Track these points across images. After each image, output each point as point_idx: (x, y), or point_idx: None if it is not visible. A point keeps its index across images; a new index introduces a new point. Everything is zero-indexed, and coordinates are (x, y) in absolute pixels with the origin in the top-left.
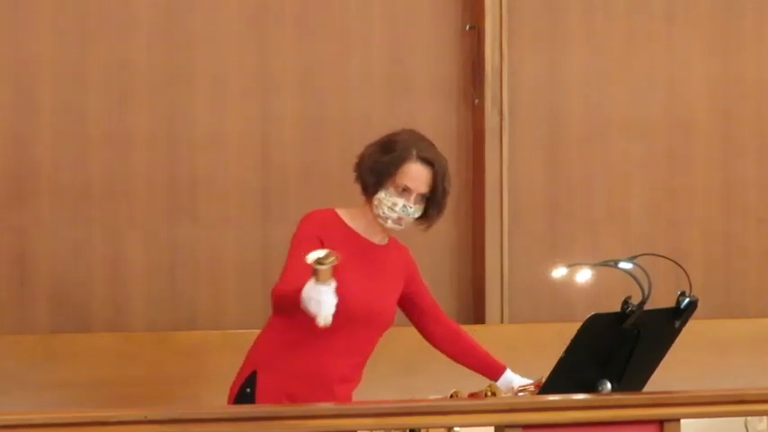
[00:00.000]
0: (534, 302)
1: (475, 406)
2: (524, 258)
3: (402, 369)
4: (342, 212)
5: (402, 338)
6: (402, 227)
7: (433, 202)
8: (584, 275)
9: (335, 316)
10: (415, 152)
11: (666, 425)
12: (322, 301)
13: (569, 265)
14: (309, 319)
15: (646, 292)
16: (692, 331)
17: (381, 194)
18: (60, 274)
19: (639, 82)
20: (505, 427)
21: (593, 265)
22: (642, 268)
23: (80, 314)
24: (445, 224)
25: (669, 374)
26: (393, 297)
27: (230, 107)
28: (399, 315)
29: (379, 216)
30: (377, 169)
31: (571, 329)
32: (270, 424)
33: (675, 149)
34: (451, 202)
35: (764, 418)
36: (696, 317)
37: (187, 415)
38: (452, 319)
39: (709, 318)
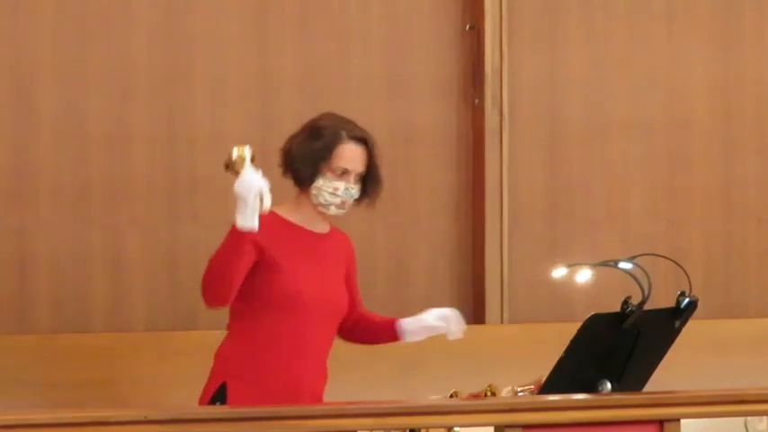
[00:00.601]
0: (534, 302)
1: (475, 406)
2: (524, 258)
3: (402, 369)
4: (279, 209)
5: None
6: (345, 210)
7: (370, 179)
8: (584, 275)
9: (293, 312)
10: (344, 133)
11: (666, 425)
12: (251, 181)
13: (569, 265)
14: (271, 323)
15: (646, 292)
16: (692, 331)
17: (320, 182)
18: (60, 274)
19: (639, 82)
20: (505, 427)
21: (593, 265)
22: (642, 268)
23: (80, 314)
24: (445, 224)
25: (669, 374)
26: (342, 283)
27: (230, 107)
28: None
29: (320, 204)
30: (310, 157)
31: (571, 329)
32: (270, 424)
33: (675, 149)
34: (451, 202)
35: (764, 418)
36: (696, 317)
37: (187, 415)
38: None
39: (709, 318)
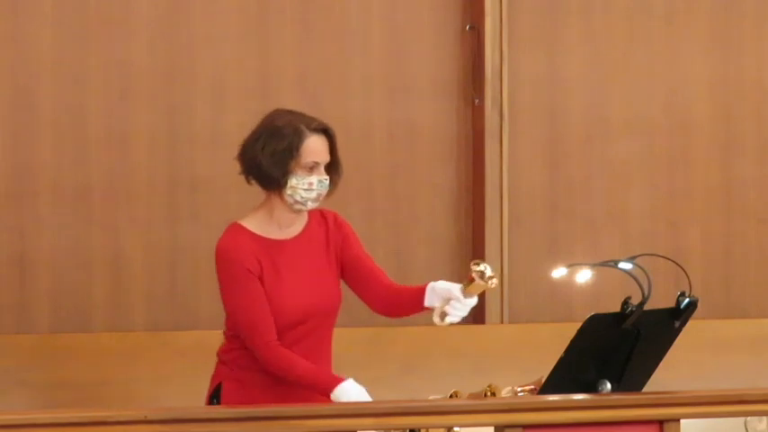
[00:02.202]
0: (534, 302)
1: (475, 406)
2: (524, 258)
3: (402, 369)
4: (246, 223)
5: (402, 338)
6: (319, 203)
7: (333, 166)
8: (583, 275)
9: (288, 329)
10: (305, 127)
11: (666, 425)
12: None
13: (569, 265)
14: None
15: (646, 293)
16: (692, 331)
17: (293, 181)
18: (60, 274)
19: (639, 82)
20: (505, 427)
21: (593, 265)
22: (642, 268)
23: (80, 314)
24: (445, 224)
25: (669, 374)
26: (331, 280)
27: (230, 107)
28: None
29: (296, 202)
30: (278, 159)
31: (571, 329)
32: (270, 424)
33: (675, 149)
34: (451, 202)
35: (764, 418)
36: (696, 317)
37: (187, 415)
38: None
39: (709, 318)
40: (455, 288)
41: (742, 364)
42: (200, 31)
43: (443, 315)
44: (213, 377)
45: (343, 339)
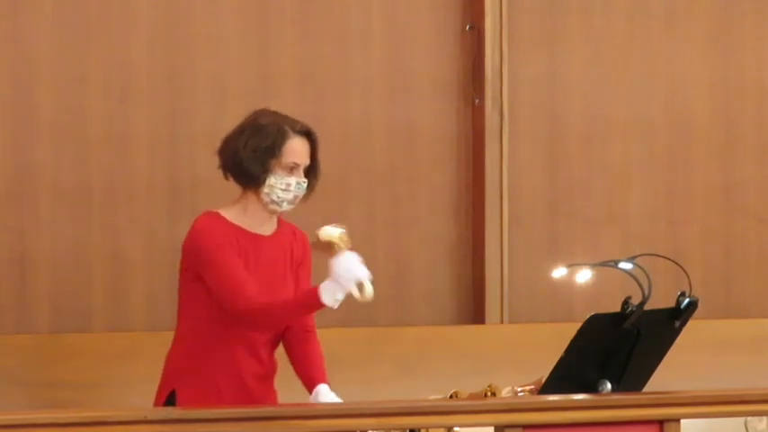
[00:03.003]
0: (534, 302)
1: (475, 406)
2: (524, 258)
3: (402, 369)
4: (225, 213)
5: (402, 338)
6: (294, 205)
7: (312, 170)
8: (583, 275)
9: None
10: (289, 128)
11: (666, 425)
12: (354, 269)
13: (569, 265)
14: (217, 325)
15: (646, 293)
16: (692, 331)
17: (272, 180)
18: (60, 274)
19: (639, 82)
20: (505, 427)
21: (593, 265)
22: (642, 268)
23: (80, 314)
24: (445, 224)
25: (669, 374)
26: (290, 286)
27: (230, 107)
28: (401, 316)
29: (272, 202)
30: (259, 157)
31: (571, 329)
32: (270, 424)
33: (675, 149)
34: (451, 202)
35: (764, 418)
36: (696, 317)
37: (187, 415)
38: (450, 319)
39: (709, 318)
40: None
41: (742, 364)
42: (200, 31)
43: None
44: (162, 383)
45: (342, 339)
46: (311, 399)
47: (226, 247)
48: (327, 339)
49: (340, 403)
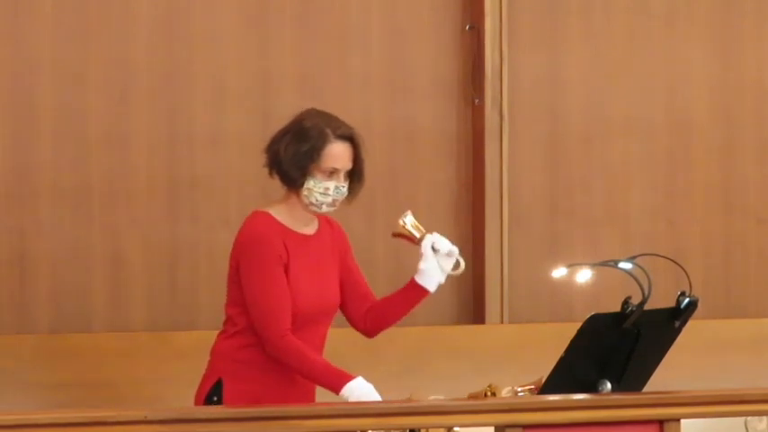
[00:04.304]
0: (534, 302)
1: (475, 406)
2: (524, 258)
3: (402, 369)
4: (273, 212)
5: (402, 338)
6: (335, 207)
7: (355, 174)
8: (583, 275)
9: (295, 321)
10: (330, 132)
11: (666, 425)
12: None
13: (569, 265)
14: None
15: (646, 292)
16: (692, 331)
17: (310, 183)
18: (60, 274)
19: (639, 82)
20: (505, 427)
21: (593, 265)
22: (642, 268)
23: (80, 314)
24: (445, 224)
25: (669, 374)
26: (336, 282)
27: (230, 107)
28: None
29: (311, 204)
30: (299, 160)
31: (571, 329)
32: (270, 424)
33: (675, 149)
34: (451, 202)
35: (764, 418)
36: (696, 317)
37: (187, 415)
38: (450, 319)
39: (709, 318)
40: (431, 246)
41: (742, 364)
42: (200, 31)
43: (456, 265)
44: (208, 373)
45: (343, 339)
46: (429, 279)
47: (273, 262)
48: (328, 339)
49: (340, 403)
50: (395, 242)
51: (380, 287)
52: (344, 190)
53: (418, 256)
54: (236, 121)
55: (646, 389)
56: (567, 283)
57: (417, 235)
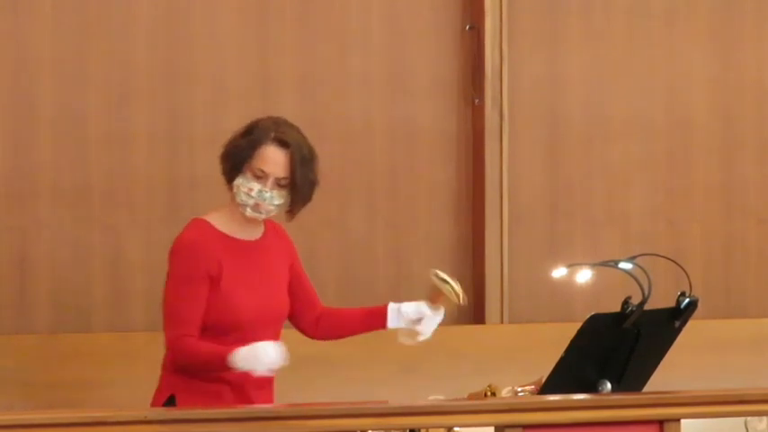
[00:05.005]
0: (534, 302)
1: (475, 406)
2: (524, 258)
3: (402, 369)
4: (212, 218)
5: None
6: (263, 215)
7: (294, 189)
8: (583, 275)
9: (234, 329)
10: (272, 134)
11: (666, 425)
12: (268, 359)
13: (569, 265)
14: (218, 335)
15: (646, 292)
16: (692, 331)
17: (239, 180)
18: (60, 274)
19: (639, 82)
20: (505, 427)
21: (593, 265)
22: (642, 268)
23: (80, 314)
24: (445, 224)
25: (669, 374)
26: (284, 287)
27: (230, 107)
28: None
29: (239, 204)
30: (234, 153)
31: (571, 329)
32: (270, 424)
33: (675, 149)
34: (451, 202)
35: (764, 418)
36: (696, 317)
37: (187, 415)
38: (450, 319)
39: (709, 318)
40: (424, 307)
41: (742, 364)
42: (200, 31)
43: (415, 335)
44: (161, 387)
45: (342, 339)
46: (395, 321)
47: (193, 272)
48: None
49: (340, 403)
50: (395, 242)
51: (380, 287)
52: (269, 197)
53: (418, 258)
54: (236, 122)
55: (646, 389)
56: (567, 283)
57: (455, 300)
